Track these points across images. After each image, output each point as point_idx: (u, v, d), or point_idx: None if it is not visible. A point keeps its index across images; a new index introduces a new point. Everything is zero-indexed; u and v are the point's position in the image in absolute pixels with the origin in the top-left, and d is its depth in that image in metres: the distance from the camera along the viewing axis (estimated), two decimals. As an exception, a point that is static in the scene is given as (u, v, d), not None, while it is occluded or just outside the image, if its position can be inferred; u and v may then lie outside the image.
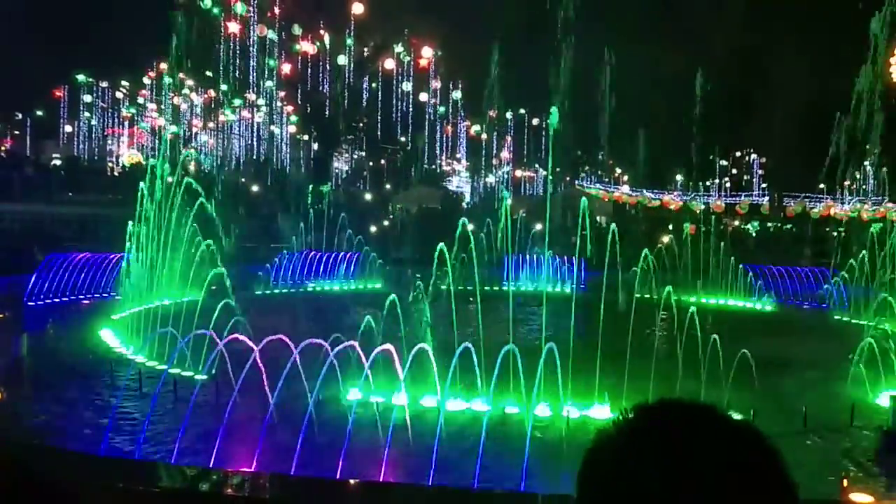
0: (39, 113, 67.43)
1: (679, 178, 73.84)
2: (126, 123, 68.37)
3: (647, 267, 16.92)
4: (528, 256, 24.86)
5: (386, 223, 43.08)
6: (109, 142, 68.97)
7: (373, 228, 36.31)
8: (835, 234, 47.34)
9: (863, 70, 42.96)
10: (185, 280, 15.37)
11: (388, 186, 65.50)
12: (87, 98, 66.53)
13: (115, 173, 58.52)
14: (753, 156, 76.45)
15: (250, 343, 9.46)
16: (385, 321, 12.73)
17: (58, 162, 61.12)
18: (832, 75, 45.84)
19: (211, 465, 7.12)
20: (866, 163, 69.43)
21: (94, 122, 68.12)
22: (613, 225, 14.45)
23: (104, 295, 20.50)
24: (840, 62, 44.21)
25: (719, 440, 1.05)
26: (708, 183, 75.10)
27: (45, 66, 54.50)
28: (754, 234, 46.31)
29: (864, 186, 71.08)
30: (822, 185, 67.21)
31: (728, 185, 78.03)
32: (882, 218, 27.85)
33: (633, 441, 1.06)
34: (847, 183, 71.77)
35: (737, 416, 1.12)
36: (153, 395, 9.83)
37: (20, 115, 67.04)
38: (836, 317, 20.59)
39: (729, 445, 1.04)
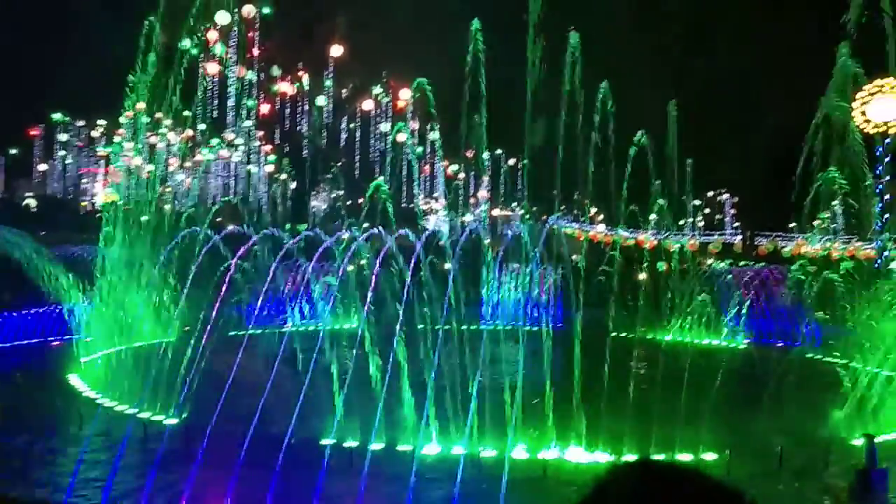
0: (13, 151, 66.84)
1: (653, 217, 74.81)
2: (102, 163, 68.00)
3: (622, 305, 17.02)
4: (505, 295, 24.90)
5: (363, 262, 42.96)
6: (84, 181, 68.45)
7: (350, 267, 36.15)
8: (803, 274, 48.05)
9: (826, 107, 44.25)
10: (158, 321, 15.17)
11: (365, 225, 65.52)
12: (63, 137, 66.16)
13: (90, 212, 57.93)
14: (725, 195, 77.87)
15: (222, 385, 9.33)
16: (360, 360, 12.63)
17: (31, 202, 60.47)
18: (800, 117, 47.10)
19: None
20: (835, 202, 71.14)
21: (69, 160, 67.64)
22: (588, 263, 14.57)
23: (74, 337, 20.10)
24: (808, 103, 45.48)
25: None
26: (681, 222, 76.14)
27: (19, 105, 54.22)
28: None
29: (833, 225, 72.63)
30: (792, 224, 68.53)
31: (702, 224, 79.18)
32: (851, 256, 28.36)
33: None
34: (817, 222, 73.33)
35: (720, 478, 1.13)
36: (122, 439, 9.60)
37: (-6, 154, 66.49)
38: (809, 355, 20.79)
39: None
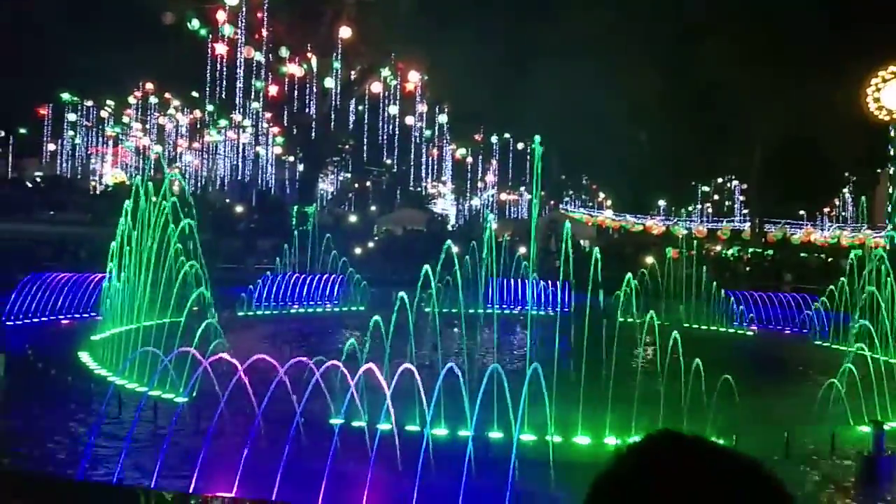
0: (22, 131, 66.88)
1: (662, 202, 74.59)
2: (110, 143, 68.00)
3: (630, 291, 17.02)
4: (513, 280, 24.89)
5: (371, 245, 43.03)
6: (93, 161, 68.52)
7: (358, 250, 36.23)
8: (817, 256, 48.04)
9: (840, 99, 43.98)
10: (168, 301, 15.25)
11: (373, 208, 65.60)
12: (72, 117, 66.10)
13: (98, 192, 58.04)
14: (734, 182, 77.41)
15: (233, 363, 9.39)
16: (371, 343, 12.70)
17: (39, 180, 60.67)
18: (811, 105, 46.73)
19: (191, 490, 7.03)
20: (845, 190, 70.71)
21: (77, 140, 67.64)
22: (597, 249, 14.56)
23: (85, 315, 20.27)
24: (819, 92, 45.11)
25: (730, 479, 1.07)
26: (690, 208, 75.94)
27: (29, 84, 54.14)
28: (732, 259, 46.75)
29: (843, 213, 72.27)
30: (802, 212, 68.23)
31: (710, 210, 78.92)
32: (861, 244, 28.23)
33: (641, 478, 1.08)
34: (826, 210, 72.97)
35: (745, 455, 1.14)
36: (133, 418, 9.70)
37: (3, 133, 66.45)
38: (817, 342, 20.79)
39: (740, 485, 1.07)
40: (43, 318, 19.95)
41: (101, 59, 48.36)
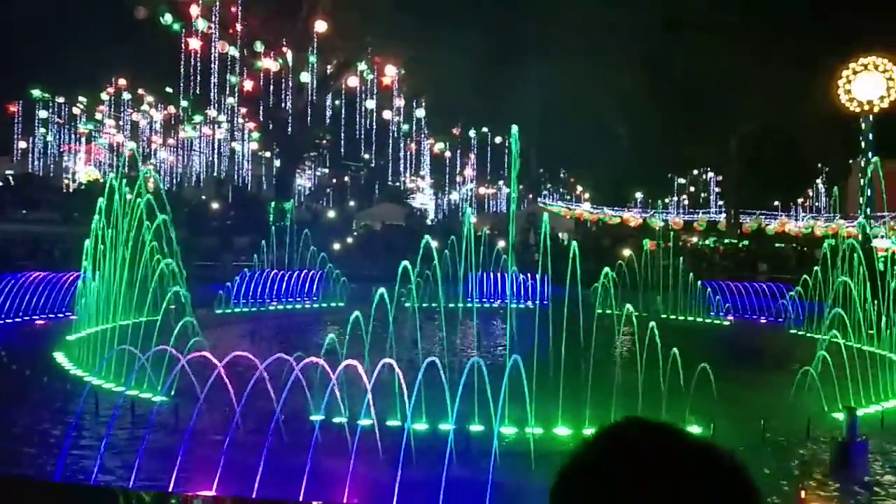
0: (-8, 129, 65.72)
1: (639, 195, 75.19)
2: (83, 140, 67.01)
3: (608, 283, 17.14)
4: (492, 273, 24.95)
5: (350, 240, 42.89)
6: (66, 158, 67.48)
7: (336, 246, 36.09)
8: (793, 246, 48.72)
9: (813, 92, 44.61)
10: (144, 300, 15.09)
11: (351, 203, 65.34)
12: (43, 114, 65.00)
13: (72, 190, 57.20)
14: (710, 174, 78.17)
15: (211, 360, 9.33)
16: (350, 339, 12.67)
17: (10, 179, 59.64)
18: (785, 97, 47.31)
19: (170, 489, 6.99)
20: (818, 181, 71.74)
21: (49, 138, 66.55)
22: (574, 242, 14.65)
23: (60, 315, 20.00)
24: (793, 84, 45.68)
25: (694, 467, 1.08)
26: (666, 200, 76.67)
27: (-2, 80, 53.14)
28: (708, 250, 47.26)
29: (816, 203, 73.35)
30: (776, 203, 69.16)
31: (686, 202, 79.73)
32: (834, 234, 28.67)
33: (608, 463, 1.09)
34: (801, 200, 74.01)
35: (700, 435, 1.16)
36: (110, 417, 9.60)
37: (-29, 131, 65.21)
38: (792, 331, 21.10)
39: (703, 473, 1.08)
40: (17, 319, 19.65)
41: (72, 54, 47.60)
